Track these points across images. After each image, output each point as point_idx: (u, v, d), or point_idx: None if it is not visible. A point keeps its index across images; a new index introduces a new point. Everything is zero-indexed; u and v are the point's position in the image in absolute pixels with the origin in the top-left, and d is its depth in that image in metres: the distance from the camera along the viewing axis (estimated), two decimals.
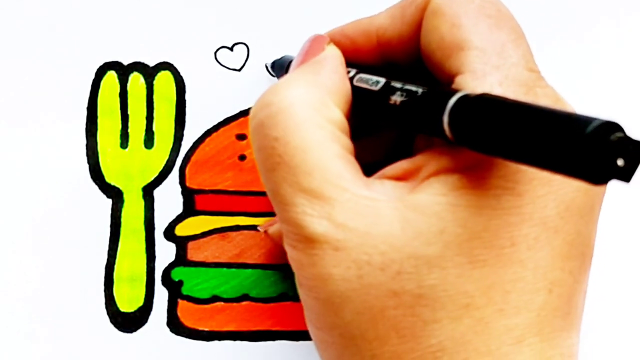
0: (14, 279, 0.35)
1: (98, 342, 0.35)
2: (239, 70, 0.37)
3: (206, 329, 0.35)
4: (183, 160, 0.37)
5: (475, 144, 0.23)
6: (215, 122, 0.37)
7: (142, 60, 0.37)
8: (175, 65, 0.37)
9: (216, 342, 0.35)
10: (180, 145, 0.37)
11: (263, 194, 0.36)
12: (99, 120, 0.37)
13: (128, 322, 0.35)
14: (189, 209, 0.36)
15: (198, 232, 0.36)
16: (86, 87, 0.37)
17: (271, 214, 0.36)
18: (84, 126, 0.36)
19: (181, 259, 0.36)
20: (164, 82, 0.37)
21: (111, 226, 0.36)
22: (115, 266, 0.36)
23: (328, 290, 0.24)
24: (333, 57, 0.28)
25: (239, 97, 0.37)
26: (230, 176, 0.36)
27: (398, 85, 0.26)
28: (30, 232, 0.35)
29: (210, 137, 0.37)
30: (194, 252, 0.36)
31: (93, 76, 0.37)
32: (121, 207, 0.36)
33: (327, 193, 0.24)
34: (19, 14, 0.37)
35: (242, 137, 0.37)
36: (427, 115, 0.24)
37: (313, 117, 0.25)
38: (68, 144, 0.36)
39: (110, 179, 0.36)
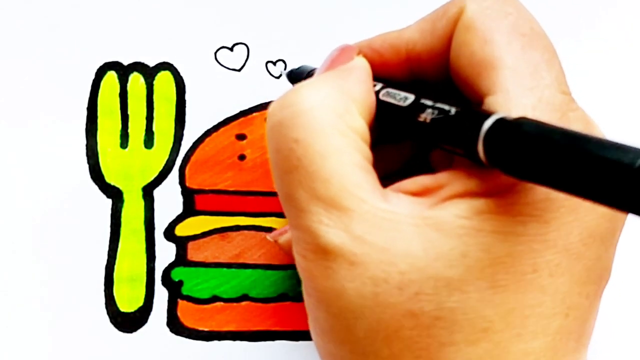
0: (14, 279, 0.35)
1: (98, 342, 0.35)
2: (239, 70, 0.37)
3: (206, 329, 0.35)
4: (183, 160, 0.37)
5: (510, 169, 0.22)
6: (215, 122, 0.37)
7: (142, 61, 0.37)
8: (175, 65, 0.37)
9: (216, 342, 0.35)
10: (180, 145, 0.37)
11: (263, 194, 0.36)
12: (99, 120, 0.37)
13: (128, 322, 0.35)
14: (189, 209, 0.36)
15: (198, 232, 0.36)
16: (86, 87, 0.37)
17: (271, 214, 0.36)
18: (84, 126, 0.36)
19: (181, 259, 0.36)
20: (164, 82, 0.37)
21: (111, 226, 0.36)
22: (115, 266, 0.36)
23: (341, 305, 0.23)
24: (361, 67, 0.28)
25: (239, 97, 0.37)
26: (230, 176, 0.36)
27: (429, 102, 0.26)
28: (31, 232, 0.35)
29: (210, 137, 0.37)
30: (194, 252, 0.36)
31: (93, 76, 0.37)
32: (121, 207, 0.36)
33: (345, 203, 0.23)
34: (19, 14, 0.37)
35: (242, 137, 0.37)
36: (460, 136, 0.24)
37: (336, 123, 0.24)
38: (68, 144, 0.36)
39: (110, 179, 0.36)
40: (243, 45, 0.37)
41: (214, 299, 0.35)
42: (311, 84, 0.26)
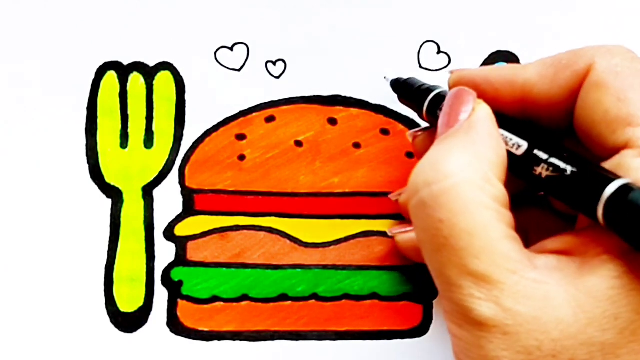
0: (14, 279, 0.35)
1: (98, 342, 0.35)
2: (239, 70, 0.37)
3: (206, 329, 0.35)
4: (183, 160, 0.37)
5: (631, 239, 0.22)
6: (215, 122, 0.37)
7: (142, 60, 0.37)
8: (175, 65, 0.37)
9: (216, 342, 0.35)
10: (180, 145, 0.37)
11: (262, 194, 0.36)
12: (98, 120, 0.37)
13: (128, 322, 0.35)
14: (189, 209, 0.36)
15: (197, 232, 0.36)
16: (86, 87, 0.37)
17: (270, 214, 0.36)
18: (84, 126, 0.36)
19: (181, 259, 0.36)
20: (163, 82, 0.37)
21: (111, 226, 0.36)
22: (115, 266, 0.36)
23: None
24: (485, 119, 0.27)
25: (239, 97, 0.37)
26: (230, 176, 0.36)
27: (543, 156, 0.26)
28: (31, 232, 0.35)
29: (210, 137, 0.37)
30: (194, 252, 0.36)
31: (93, 76, 0.37)
32: (121, 207, 0.36)
33: (495, 276, 0.24)
34: (19, 14, 0.37)
35: (241, 137, 0.37)
36: (578, 198, 0.24)
37: (478, 197, 0.24)
38: (68, 143, 0.36)
39: (110, 179, 0.36)
40: (243, 45, 0.37)
41: (214, 299, 0.35)
42: (444, 155, 0.26)
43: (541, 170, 0.26)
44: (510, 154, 0.27)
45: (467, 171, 0.25)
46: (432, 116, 0.31)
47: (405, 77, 0.35)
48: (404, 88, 0.35)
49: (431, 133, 0.33)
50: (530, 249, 0.26)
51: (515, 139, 0.27)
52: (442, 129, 0.28)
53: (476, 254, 0.24)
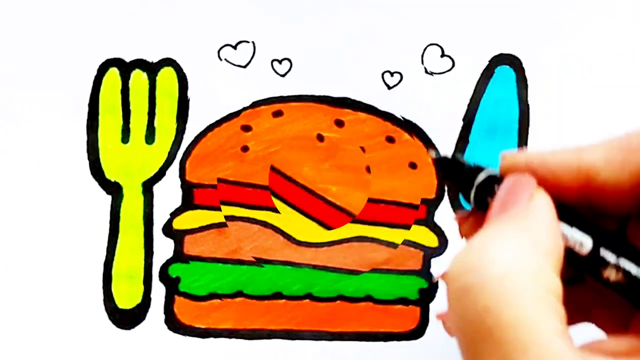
0: (14, 276, 0.36)
1: (97, 339, 0.35)
2: (244, 67, 0.37)
3: (203, 326, 0.36)
4: (184, 154, 0.36)
5: None
6: (217, 119, 0.37)
7: (144, 57, 0.37)
8: (178, 61, 0.37)
9: (212, 339, 0.36)
10: (181, 140, 0.36)
11: (261, 187, 0.36)
12: (100, 117, 0.36)
13: (126, 319, 0.35)
14: (188, 203, 0.36)
15: (195, 226, 0.36)
16: (88, 83, 0.36)
17: (267, 208, 0.36)
18: (85, 122, 0.36)
19: (178, 254, 0.36)
20: (166, 79, 0.37)
21: (110, 222, 0.36)
22: (114, 263, 0.36)
23: None
24: (545, 208, 0.25)
25: (243, 95, 0.37)
26: (231, 166, 0.36)
27: (610, 258, 0.24)
28: (30, 228, 0.36)
29: (212, 132, 0.37)
30: (191, 246, 0.36)
31: (95, 73, 0.37)
32: (120, 202, 0.36)
33: None
34: (21, 11, 0.37)
35: (247, 128, 0.36)
36: None
37: (531, 288, 0.23)
38: (69, 140, 0.36)
39: (110, 174, 0.36)
40: (247, 43, 0.37)
41: (211, 296, 0.36)
42: (494, 239, 0.24)
43: (609, 274, 0.24)
44: (573, 252, 0.25)
45: (520, 259, 0.23)
46: (481, 201, 0.28)
47: (449, 155, 0.33)
48: (451, 167, 0.32)
49: (479, 219, 0.29)
50: (585, 348, 0.24)
51: (579, 236, 0.25)
52: (494, 214, 0.26)
53: (524, 349, 0.22)
